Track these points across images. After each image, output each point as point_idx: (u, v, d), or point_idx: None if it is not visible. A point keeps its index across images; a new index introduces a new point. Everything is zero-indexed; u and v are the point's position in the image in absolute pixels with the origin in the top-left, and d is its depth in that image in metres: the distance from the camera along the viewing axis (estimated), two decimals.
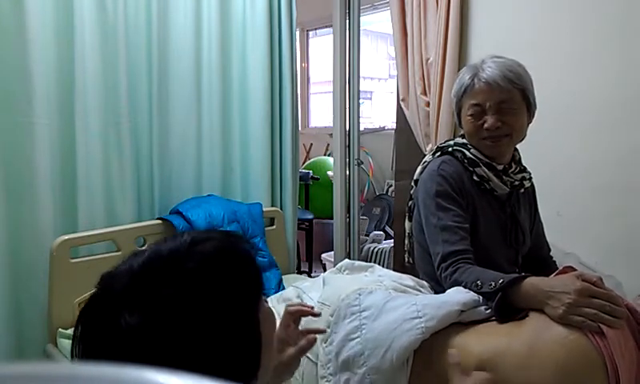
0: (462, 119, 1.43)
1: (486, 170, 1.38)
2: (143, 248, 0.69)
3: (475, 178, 1.39)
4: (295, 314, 1.02)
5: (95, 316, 0.63)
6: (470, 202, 1.38)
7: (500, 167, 1.40)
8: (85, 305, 0.65)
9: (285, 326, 0.99)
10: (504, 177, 1.40)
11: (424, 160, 1.51)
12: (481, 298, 1.19)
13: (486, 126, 1.34)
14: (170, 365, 0.57)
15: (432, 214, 1.35)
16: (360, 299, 1.19)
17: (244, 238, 0.74)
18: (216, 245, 0.68)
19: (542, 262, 1.56)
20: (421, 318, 1.11)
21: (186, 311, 0.61)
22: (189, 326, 0.61)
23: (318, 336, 1.15)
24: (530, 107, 1.38)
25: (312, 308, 1.05)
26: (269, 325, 0.74)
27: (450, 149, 1.43)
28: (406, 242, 1.60)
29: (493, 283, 1.15)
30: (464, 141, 1.43)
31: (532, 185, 1.53)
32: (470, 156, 1.39)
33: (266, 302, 0.76)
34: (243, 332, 0.67)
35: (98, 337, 0.62)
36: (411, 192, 1.52)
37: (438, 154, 1.45)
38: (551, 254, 1.62)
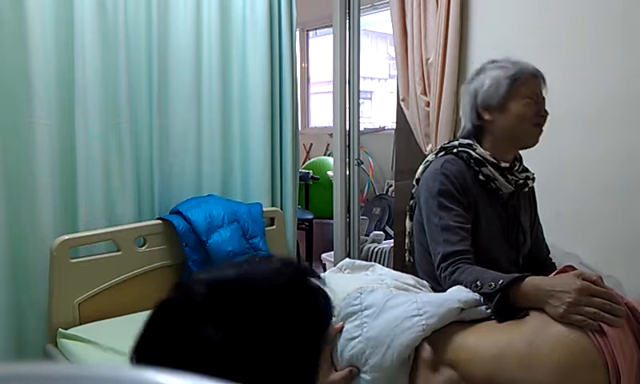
0: (509, 102, 1.39)
1: (492, 169, 1.39)
2: (225, 266, 0.70)
3: (481, 177, 1.39)
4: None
5: (170, 323, 0.63)
6: (473, 202, 1.38)
7: (506, 165, 1.41)
8: (156, 309, 0.65)
9: None
10: (509, 176, 1.41)
11: (426, 159, 1.51)
12: (481, 297, 1.19)
13: (542, 114, 1.39)
14: (233, 380, 0.57)
15: (434, 213, 1.35)
16: (361, 298, 1.20)
17: (318, 275, 0.75)
18: (299, 276, 0.70)
19: (541, 263, 1.56)
20: (421, 315, 1.11)
21: (264, 338, 0.63)
22: (264, 353, 0.62)
23: None
24: None
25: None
26: (326, 365, 0.77)
27: (454, 149, 1.43)
28: (407, 241, 1.60)
29: (493, 283, 1.15)
30: (469, 141, 1.43)
31: (532, 186, 1.54)
32: (477, 156, 1.39)
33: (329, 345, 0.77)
34: (308, 366, 0.68)
35: (169, 344, 0.62)
36: (412, 191, 1.52)
37: (442, 153, 1.45)
38: (551, 255, 1.62)
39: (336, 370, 1.14)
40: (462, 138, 1.47)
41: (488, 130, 1.43)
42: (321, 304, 0.71)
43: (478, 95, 1.42)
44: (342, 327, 1.17)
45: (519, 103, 1.39)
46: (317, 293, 0.71)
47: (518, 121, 1.39)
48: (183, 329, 0.61)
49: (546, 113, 1.39)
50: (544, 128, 1.41)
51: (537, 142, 1.42)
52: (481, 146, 1.42)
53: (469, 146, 1.42)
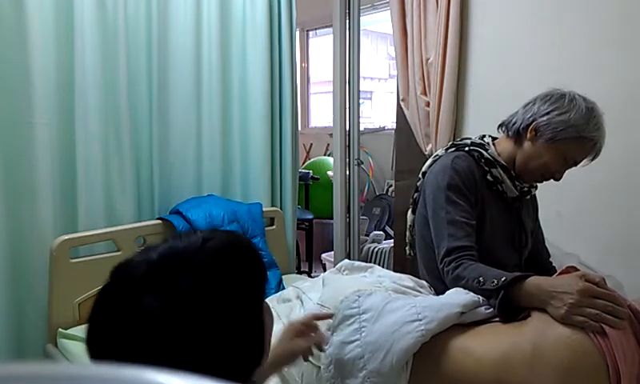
0: (543, 147, 1.34)
1: (502, 172, 1.39)
2: (155, 244, 0.72)
3: (489, 177, 1.39)
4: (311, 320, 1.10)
5: (114, 301, 0.66)
6: (480, 200, 1.38)
7: (514, 173, 1.42)
8: (100, 292, 0.68)
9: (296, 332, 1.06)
10: (516, 182, 1.42)
11: (435, 154, 1.51)
12: (481, 298, 1.19)
13: (557, 178, 1.38)
14: (182, 351, 0.61)
15: (441, 206, 1.35)
16: (359, 301, 1.19)
17: (245, 237, 0.79)
18: (225, 240, 0.73)
19: (541, 266, 1.56)
20: (421, 320, 1.11)
21: (203, 300, 0.66)
22: (205, 315, 0.65)
23: None
24: None
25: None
26: (269, 318, 0.78)
27: (466, 147, 1.43)
28: (408, 234, 1.59)
29: (495, 281, 1.15)
30: (481, 141, 1.43)
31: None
32: (488, 156, 1.40)
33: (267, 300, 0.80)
34: (251, 322, 0.72)
35: (116, 320, 0.64)
36: (418, 184, 1.51)
37: (453, 149, 1.45)
38: (551, 258, 1.63)
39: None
40: (477, 137, 1.47)
41: (518, 141, 1.41)
42: (253, 261, 0.74)
43: (545, 118, 1.34)
44: (330, 316, 1.17)
45: (555, 155, 1.34)
46: (247, 251, 0.75)
47: (537, 165, 1.37)
48: (126, 303, 0.64)
49: (559, 178, 1.39)
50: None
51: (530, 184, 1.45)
52: (497, 147, 1.43)
53: (481, 145, 1.42)
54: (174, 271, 0.67)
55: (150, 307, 0.63)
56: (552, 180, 1.40)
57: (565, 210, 1.92)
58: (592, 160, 1.36)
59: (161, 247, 0.70)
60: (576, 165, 1.36)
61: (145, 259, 0.68)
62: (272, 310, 0.81)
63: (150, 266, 0.67)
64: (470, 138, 1.47)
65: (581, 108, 1.32)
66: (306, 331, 1.05)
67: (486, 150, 1.40)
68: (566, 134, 1.30)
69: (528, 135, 1.36)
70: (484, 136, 1.46)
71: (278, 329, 0.95)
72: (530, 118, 1.36)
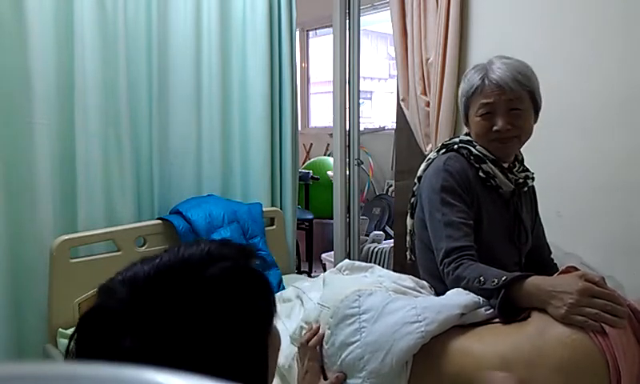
0: (469, 119, 1.42)
1: (492, 166, 1.39)
2: (155, 255, 0.65)
3: (481, 174, 1.39)
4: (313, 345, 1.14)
5: (93, 335, 0.60)
6: (475, 199, 1.38)
7: (505, 165, 1.42)
8: (81, 318, 0.61)
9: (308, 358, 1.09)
10: (509, 174, 1.41)
11: (428, 157, 1.51)
12: (481, 299, 1.19)
13: (495, 128, 1.35)
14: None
15: (436, 209, 1.35)
16: (359, 301, 1.19)
17: (257, 253, 0.70)
18: (232, 264, 0.65)
19: (542, 263, 1.56)
20: (421, 322, 1.10)
21: (193, 334, 0.59)
22: (193, 354, 0.58)
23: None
24: (537, 108, 1.40)
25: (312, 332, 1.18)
26: (276, 341, 0.72)
27: (455, 146, 1.43)
28: (408, 238, 1.60)
29: (495, 280, 1.15)
30: (469, 138, 1.44)
31: (533, 186, 1.54)
32: (477, 153, 1.39)
33: (275, 323, 0.73)
34: (252, 356, 0.65)
35: (95, 354, 0.59)
36: (414, 189, 1.52)
37: (443, 151, 1.45)
38: (552, 256, 1.62)
39: (325, 378, 1.13)
40: (464, 134, 1.48)
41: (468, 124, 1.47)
42: (259, 292, 0.66)
43: (461, 107, 1.45)
44: (323, 335, 1.18)
45: (474, 119, 1.40)
46: (254, 280, 0.66)
47: (477, 137, 1.41)
48: (102, 342, 0.58)
49: (505, 125, 1.33)
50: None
51: (506, 154, 1.41)
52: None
53: (469, 142, 1.42)
54: (158, 300, 0.59)
55: (126, 346, 0.56)
56: (496, 133, 1.36)
57: (565, 210, 1.92)
58: (510, 87, 1.33)
59: (150, 264, 0.62)
60: (495, 109, 1.35)
61: (129, 279, 0.61)
62: (279, 332, 0.78)
63: (132, 290, 0.60)
64: (457, 137, 1.48)
65: (466, 74, 1.43)
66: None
67: (474, 147, 1.40)
68: (462, 105, 1.43)
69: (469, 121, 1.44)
70: (469, 133, 1.46)
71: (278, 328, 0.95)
72: (463, 111, 1.46)
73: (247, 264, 0.67)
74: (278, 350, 0.74)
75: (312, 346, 1.16)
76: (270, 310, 0.69)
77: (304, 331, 1.23)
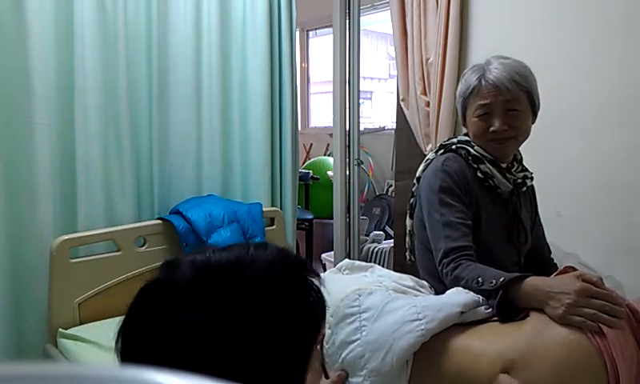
0: (467, 119, 1.43)
1: (490, 166, 1.39)
2: (222, 248, 0.67)
3: (479, 174, 1.39)
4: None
5: (156, 306, 0.62)
6: (474, 199, 1.38)
7: (503, 165, 1.42)
8: (142, 290, 0.63)
9: None
10: (507, 174, 1.41)
11: (427, 157, 1.51)
12: (481, 298, 1.19)
13: (492, 128, 1.35)
14: (215, 372, 0.56)
15: (435, 209, 1.35)
16: (360, 300, 1.19)
17: (315, 271, 0.71)
18: (294, 271, 0.67)
19: (542, 263, 1.56)
20: (421, 320, 1.11)
21: (251, 327, 0.60)
22: (248, 343, 0.60)
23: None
24: (534, 109, 1.39)
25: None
26: (315, 372, 0.72)
27: (453, 146, 1.43)
28: (407, 239, 1.60)
29: (494, 281, 1.15)
30: (467, 138, 1.44)
31: (532, 185, 1.54)
32: (475, 153, 1.40)
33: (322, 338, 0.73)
34: (294, 364, 0.65)
35: (153, 328, 0.61)
36: (413, 189, 1.52)
37: (442, 151, 1.46)
38: (552, 255, 1.62)
39: (326, 377, 1.14)
40: (463, 135, 1.48)
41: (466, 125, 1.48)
42: (314, 302, 0.68)
43: (458, 108, 1.46)
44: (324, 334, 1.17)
45: (471, 119, 1.40)
46: (311, 290, 0.68)
47: (474, 138, 1.42)
48: (166, 313, 0.60)
49: (501, 126, 1.34)
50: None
51: (504, 155, 1.41)
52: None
53: (467, 143, 1.42)
54: (225, 288, 0.62)
55: (190, 323, 0.59)
56: (493, 134, 1.36)
57: (565, 209, 1.92)
58: (507, 87, 1.33)
59: (222, 254, 0.65)
60: (492, 110, 1.35)
61: (199, 264, 0.63)
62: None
63: (201, 274, 0.62)
64: (456, 137, 1.48)
65: (464, 74, 1.44)
66: None
67: (472, 147, 1.40)
68: (460, 106, 1.44)
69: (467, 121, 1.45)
70: (467, 133, 1.46)
71: None
72: (461, 112, 1.47)
73: (304, 273, 0.69)
74: (319, 378, 0.75)
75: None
76: (319, 324, 0.70)
77: None
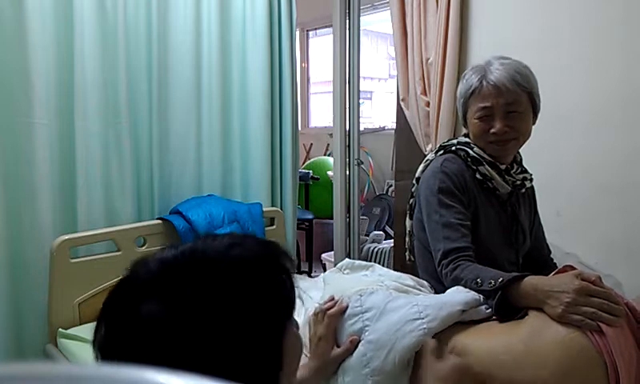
0: (467, 120, 1.42)
1: (489, 168, 1.39)
2: (177, 244, 0.68)
3: (478, 176, 1.39)
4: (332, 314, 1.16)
5: (118, 301, 0.63)
6: (472, 200, 1.38)
7: (502, 167, 1.41)
8: (111, 288, 0.65)
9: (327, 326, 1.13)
10: (506, 176, 1.41)
11: (426, 158, 1.51)
12: (482, 296, 1.19)
13: (493, 130, 1.35)
14: (182, 362, 0.57)
15: (434, 210, 1.35)
16: (361, 300, 1.19)
17: (286, 252, 0.71)
18: (256, 252, 0.67)
19: (542, 263, 1.56)
20: (423, 319, 1.11)
21: (211, 312, 0.61)
22: (211, 327, 0.60)
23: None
24: (535, 109, 1.39)
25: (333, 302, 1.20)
26: (296, 342, 0.72)
27: (453, 147, 1.43)
28: (407, 240, 1.60)
29: (493, 281, 1.15)
30: (467, 140, 1.44)
31: (532, 186, 1.54)
32: (474, 154, 1.39)
33: (297, 327, 0.73)
34: (263, 347, 0.64)
35: (118, 322, 0.62)
36: (412, 190, 1.52)
37: (441, 152, 1.46)
38: (552, 255, 1.62)
39: (338, 347, 1.15)
40: (463, 136, 1.48)
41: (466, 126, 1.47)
42: (282, 285, 0.68)
43: (459, 109, 1.46)
44: (347, 307, 1.17)
45: (472, 121, 1.40)
46: (277, 270, 0.68)
47: (475, 139, 1.41)
48: (126, 306, 0.61)
49: (502, 128, 1.33)
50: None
51: (504, 156, 1.40)
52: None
53: (467, 144, 1.42)
54: (185, 275, 0.62)
55: (149, 313, 0.60)
56: (494, 135, 1.36)
57: (564, 210, 1.92)
58: (508, 89, 1.33)
59: (180, 248, 0.66)
60: (493, 111, 1.35)
61: (160, 259, 0.65)
62: (302, 338, 0.77)
63: (161, 265, 0.64)
64: (455, 138, 1.48)
65: (463, 75, 1.43)
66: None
67: (472, 148, 1.40)
68: (460, 107, 1.43)
69: (466, 131, 1.46)
70: (467, 134, 1.46)
71: None
72: (462, 113, 1.47)
73: (271, 253, 0.69)
74: (298, 357, 0.74)
75: (331, 315, 1.16)
76: (289, 301, 0.69)
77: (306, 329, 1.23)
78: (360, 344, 1.13)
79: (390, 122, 4.30)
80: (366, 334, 1.13)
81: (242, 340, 0.62)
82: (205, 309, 0.60)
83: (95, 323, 0.64)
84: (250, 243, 0.68)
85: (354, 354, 1.13)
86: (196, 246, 0.66)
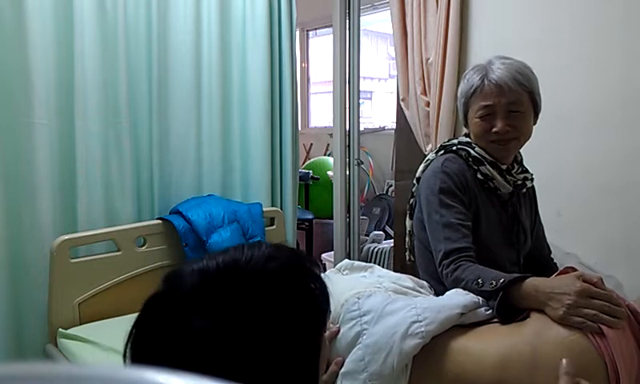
0: (468, 120, 1.42)
1: (491, 168, 1.39)
2: (215, 254, 0.69)
3: (479, 176, 1.39)
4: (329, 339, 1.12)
5: (161, 313, 0.63)
6: (473, 200, 1.38)
7: (504, 167, 1.41)
8: (148, 302, 0.65)
9: None
10: (507, 176, 1.41)
11: (427, 158, 1.51)
12: (481, 299, 1.19)
13: (495, 130, 1.35)
14: (227, 374, 0.58)
15: (435, 210, 1.35)
16: (359, 303, 1.19)
17: (315, 261, 0.73)
18: (293, 264, 0.69)
19: (542, 263, 1.56)
20: (421, 322, 1.10)
21: (256, 325, 0.62)
22: (256, 341, 0.61)
23: None
24: (536, 109, 1.39)
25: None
26: (323, 358, 0.74)
27: (453, 147, 1.43)
28: (407, 240, 1.60)
29: (494, 282, 1.15)
30: (468, 139, 1.43)
31: (533, 186, 1.54)
32: (475, 154, 1.39)
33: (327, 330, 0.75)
34: (306, 355, 0.67)
35: (162, 335, 0.61)
36: (413, 190, 1.52)
37: (442, 152, 1.46)
38: (552, 255, 1.62)
39: (325, 372, 1.14)
40: (463, 135, 1.48)
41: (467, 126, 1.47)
42: (316, 290, 0.69)
43: (460, 108, 1.45)
44: (339, 331, 1.16)
45: (473, 120, 1.40)
46: (311, 278, 0.70)
47: (476, 138, 1.41)
48: (174, 321, 0.61)
49: (504, 127, 1.33)
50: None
51: (505, 156, 1.40)
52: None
53: (468, 144, 1.42)
54: (228, 289, 0.63)
55: (199, 328, 0.60)
56: (495, 135, 1.36)
57: (565, 209, 1.92)
58: (510, 88, 1.33)
59: (220, 257, 0.66)
60: (495, 110, 1.35)
61: (200, 269, 0.65)
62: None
63: (204, 278, 0.64)
64: (456, 138, 1.48)
65: (464, 75, 1.43)
66: None
67: (473, 148, 1.40)
68: (461, 107, 1.42)
69: (467, 131, 1.46)
70: (468, 134, 1.46)
71: None
72: (462, 112, 1.46)
73: (303, 264, 0.71)
74: (327, 355, 0.76)
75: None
76: (324, 311, 0.71)
77: None
78: (358, 348, 1.13)
79: (390, 122, 4.29)
80: (364, 337, 1.13)
81: (285, 351, 0.64)
82: (250, 323, 0.62)
83: (126, 339, 0.64)
84: (285, 255, 0.69)
85: (352, 359, 1.12)
86: (236, 256, 0.67)
